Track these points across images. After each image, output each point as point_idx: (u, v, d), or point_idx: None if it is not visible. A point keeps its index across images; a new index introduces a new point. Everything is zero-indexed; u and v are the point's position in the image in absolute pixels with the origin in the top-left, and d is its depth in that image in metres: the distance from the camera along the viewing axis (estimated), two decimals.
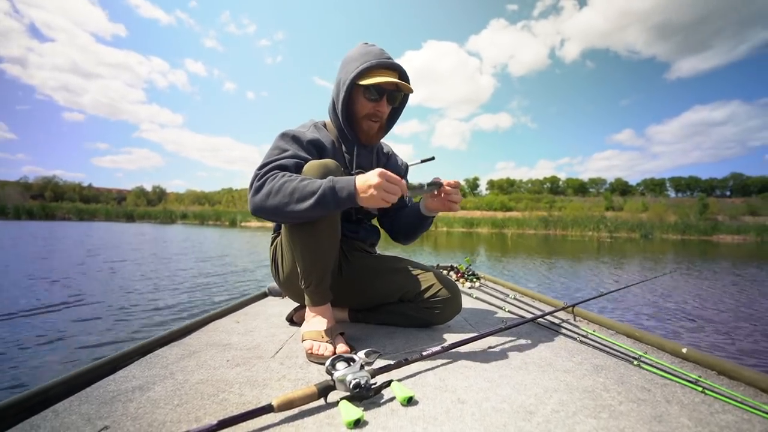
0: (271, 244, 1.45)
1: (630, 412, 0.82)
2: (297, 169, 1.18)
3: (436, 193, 1.33)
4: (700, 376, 0.98)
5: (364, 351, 0.94)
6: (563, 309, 1.64)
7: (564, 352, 1.22)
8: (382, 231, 1.66)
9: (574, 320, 1.64)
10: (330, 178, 1.08)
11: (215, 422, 0.68)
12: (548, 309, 1.67)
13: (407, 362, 0.98)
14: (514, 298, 2.03)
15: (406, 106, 1.48)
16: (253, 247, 11.85)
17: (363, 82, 1.29)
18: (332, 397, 0.84)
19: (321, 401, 0.84)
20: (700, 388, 0.93)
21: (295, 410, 0.80)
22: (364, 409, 0.81)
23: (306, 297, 1.24)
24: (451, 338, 1.34)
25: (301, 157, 1.22)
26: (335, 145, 1.39)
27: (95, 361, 1.02)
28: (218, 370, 1.03)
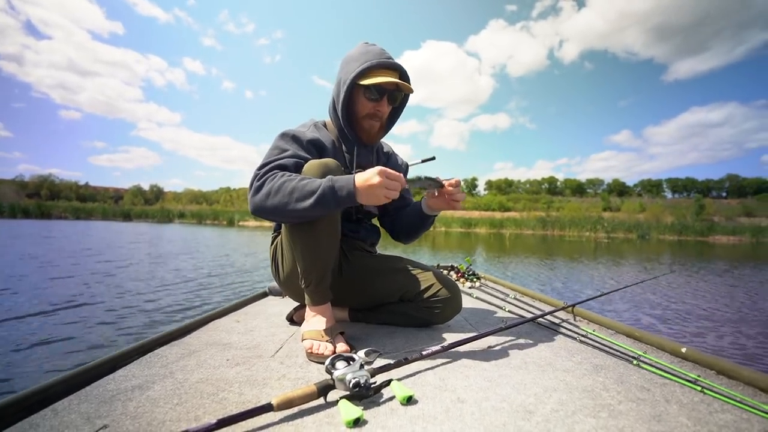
0: (271, 244, 1.45)
1: (629, 412, 0.82)
2: (297, 168, 1.18)
3: (437, 193, 1.33)
4: (699, 376, 0.98)
5: (364, 350, 0.93)
6: (563, 309, 1.64)
7: (564, 351, 1.23)
8: (382, 230, 1.66)
9: (574, 320, 1.65)
10: (329, 177, 1.08)
11: (215, 421, 0.68)
12: (548, 309, 1.67)
13: (407, 361, 0.98)
14: (514, 298, 2.03)
15: (406, 106, 1.48)
16: (251, 247, 11.82)
17: (363, 82, 1.29)
18: (332, 396, 0.84)
19: (321, 400, 0.84)
20: (699, 388, 0.93)
21: (295, 409, 0.80)
22: (364, 409, 0.80)
23: (306, 296, 1.24)
24: (451, 338, 1.35)
25: (300, 156, 1.22)
26: (335, 144, 1.39)
27: (95, 360, 1.02)
28: (218, 370, 1.03)
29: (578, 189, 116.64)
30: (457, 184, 1.29)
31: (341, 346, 1.14)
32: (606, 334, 1.43)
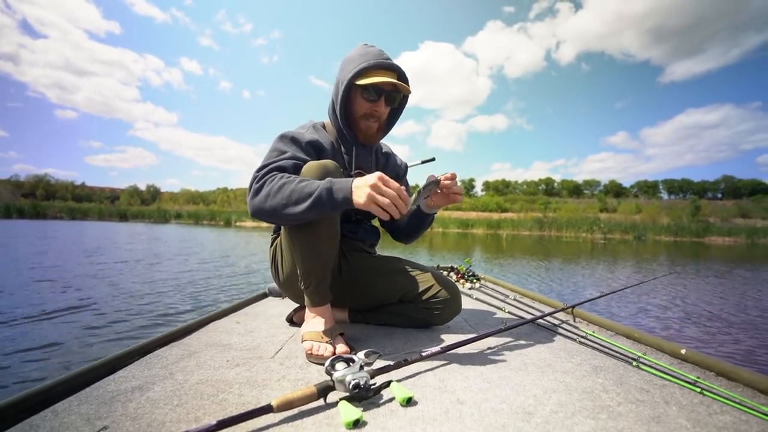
0: (271, 245, 1.44)
1: (629, 413, 0.82)
2: (295, 170, 1.18)
3: (439, 191, 1.32)
4: (698, 377, 0.99)
5: (364, 351, 0.93)
6: (563, 310, 1.64)
7: (563, 353, 1.23)
8: (382, 231, 1.66)
9: (574, 321, 1.65)
10: (328, 179, 1.07)
11: (214, 422, 0.68)
12: (548, 310, 1.67)
13: (407, 363, 0.98)
14: (514, 299, 2.04)
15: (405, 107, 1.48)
16: (250, 248, 11.80)
17: (360, 82, 1.28)
18: (332, 397, 0.84)
19: (320, 402, 0.84)
20: (699, 389, 0.94)
21: (295, 411, 0.80)
22: (364, 410, 0.80)
23: (306, 297, 1.24)
24: (450, 339, 1.34)
25: (299, 158, 1.22)
26: (334, 145, 1.38)
27: (95, 361, 1.02)
28: (218, 371, 1.03)
29: (575, 190, 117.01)
30: (452, 177, 1.27)
31: (341, 347, 1.14)
32: (606, 335, 1.43)
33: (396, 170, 1.62)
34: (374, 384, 0.87)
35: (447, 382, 0.96)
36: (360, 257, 1.50)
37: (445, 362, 1.11)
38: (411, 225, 1.54)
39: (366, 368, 0.89)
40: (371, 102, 1.33)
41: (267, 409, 0.74)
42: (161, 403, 0.84)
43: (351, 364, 0.87)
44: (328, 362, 0.88)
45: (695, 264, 9.92)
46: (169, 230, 23.94)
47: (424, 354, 1.02)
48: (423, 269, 1.48)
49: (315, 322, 1.21)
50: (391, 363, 0.97)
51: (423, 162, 1.48)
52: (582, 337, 1.37)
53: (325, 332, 1.17)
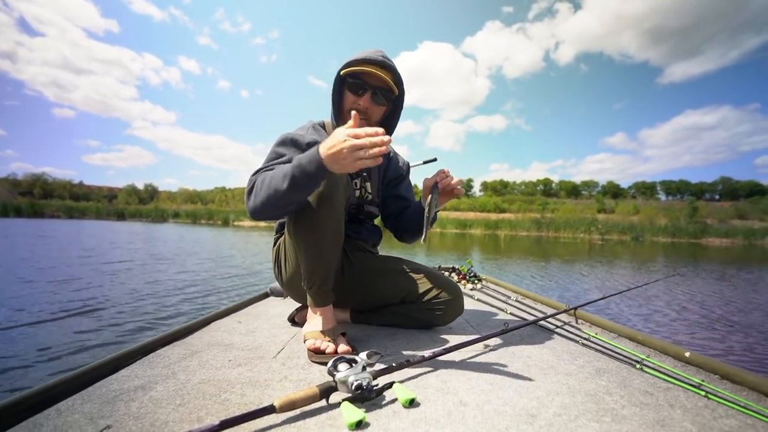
0: (274, 245, 1.44)
1: (632, 416, 0.82)
2: None
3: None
4: (703, 381, 0.99)
5: (366, 352, 0.93)
6: (565, 311, 1.64)
7: (566, 354, 1.23)
8: (385, 231, 1.65)
9: (576, 323, 1.65)
10: (296, 156, 1.03)
11: (217, 422, 0.68)
12: (550, 311, 1.67)
13: (409, 364, 0.98)
14: (516, 300, 2.04)
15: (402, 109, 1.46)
16: (249, 248, 11.78)
17: (344, 71, 1.30)
18: (334, 398, 0.84)
19: (323, 402, 0.83)
20: (703, 393, 0.93)
21: (297, 411, 0.79)
22: (366, 411, 0.80)
23: (308, 298, 1.23)
24: (452, 340, 1.34)
25: None
26: None
27: (97, 360, 1.01)
28: (220, 371, 1.02)
29: (573, 191, 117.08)
30: (446, 174, 1.28)
31: (343, 348, 1.13)
32: (608, 337, 1.43)
33: (399, 171, 1.62)
34: (377, 385, 0.86)
35: (449, 384, 0.96)
36: (363, 257, 1.50)
37: (448, 363, 1.10)
38: (415, 224, 1.53)
39: (368, 369, 0.89)
40: (356, 96, 1.32)
41: (269, 410, 0.74)
42: (164, 402, 0.83)
43: (353, 364, 0.87)
44: (330, 363, 0.87)
45: (693, 266, 9.94)
46: (167, 229, 23.89)
47: (426, 355, 1.02)
48: (425, 270, 1.47)
49: (317, 322, 1.21)
50: (394, 364, 0.96)
51: (425, 162, 1.48)
52: (585, 339, 1.36)
53: (327, 332, 1.16)
